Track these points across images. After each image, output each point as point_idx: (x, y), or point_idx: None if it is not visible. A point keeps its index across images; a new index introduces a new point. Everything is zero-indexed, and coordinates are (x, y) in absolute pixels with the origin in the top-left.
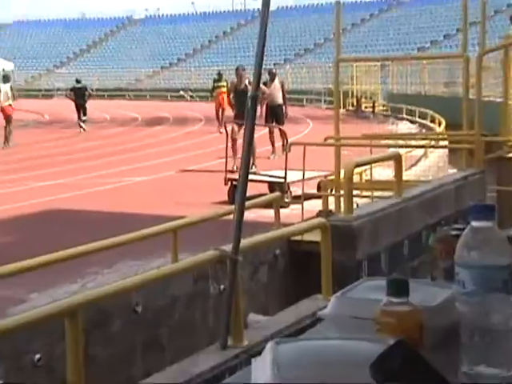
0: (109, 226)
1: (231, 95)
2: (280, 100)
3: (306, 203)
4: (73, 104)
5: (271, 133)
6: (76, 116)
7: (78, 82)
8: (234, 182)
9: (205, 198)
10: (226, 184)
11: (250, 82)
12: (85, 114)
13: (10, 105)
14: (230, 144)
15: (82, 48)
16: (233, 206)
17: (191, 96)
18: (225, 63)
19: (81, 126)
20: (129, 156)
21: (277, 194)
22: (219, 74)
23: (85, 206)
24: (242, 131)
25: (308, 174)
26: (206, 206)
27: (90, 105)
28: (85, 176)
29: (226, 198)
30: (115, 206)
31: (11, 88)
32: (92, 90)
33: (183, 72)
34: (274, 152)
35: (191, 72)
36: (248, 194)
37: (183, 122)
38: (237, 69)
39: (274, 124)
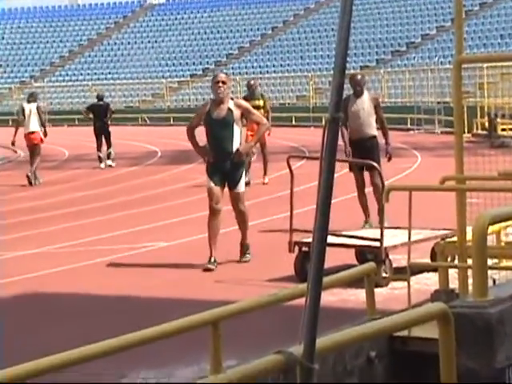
0: (114, 316)
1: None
2: (372, 129)
3: (413, 279)
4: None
5: (361, 192)
6: (95, 147)
7: (99, 98)
8: (305, 248)
9: (258, 273)
10: (290, 251)
11: (237, 104)
12: (109, 145)
13: (37, 132)
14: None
15: (72, 49)
16: (303, 285)
17: None
18: (285, 67)
19: (101, 160)
20: (144, 210)
21: (369, 265)
22: (250, 87)
23: (80, 285)
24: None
25: (416, 235)
26: (259, 286)
27: (84, 135)
28: (82, 241)
29: (291, 271)
30: (123, 286)
31: (38, 109)
32: (112, 111)
33: None
34: (367, 220)
35: (236, 82)
36: (326, 266)
37: None
38: (214, 78)
39: (360, 172)
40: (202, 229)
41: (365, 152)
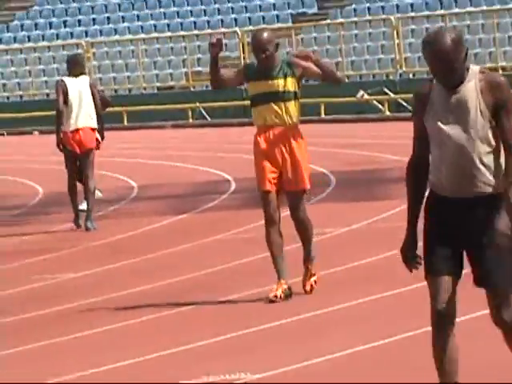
0: None
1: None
2: (490, 173)
3: None
4: None
5: None
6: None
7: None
8: None
9: None
10: None
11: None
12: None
13: (94, 129)
14: None
15: None
16: None
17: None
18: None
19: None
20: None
21: None
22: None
23: None
24: None
25: None
26: None
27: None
28: None
29: None
30: None
31: (92, 88)
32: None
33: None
34: None
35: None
36: None
37: None
38: None
39: None
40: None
41: (470, 240)
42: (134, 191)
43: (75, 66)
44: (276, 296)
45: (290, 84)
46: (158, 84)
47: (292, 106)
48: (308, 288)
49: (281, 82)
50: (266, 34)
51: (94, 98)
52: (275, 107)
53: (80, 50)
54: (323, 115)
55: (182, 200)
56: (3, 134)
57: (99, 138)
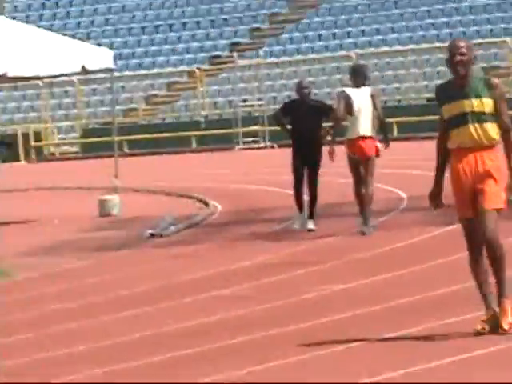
0: None
1: None
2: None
3: None
4: None
5: None
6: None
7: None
8: None
9: None
10: None
11: None
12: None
13: (373, 138)
14: None
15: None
16: None
17: None
18: None
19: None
20: None
21: None
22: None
23: None
24: None
25: None
26: None
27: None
28: None
29: None
30: None
31: (374, 98)
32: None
33: None
34: None
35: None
36: None
37: None
38: None
39: None
40: None
41: None
42: (403, 202)
43: (357, 77)
44: (484, 328)
45: (486, 105)
46: (427, 95)
47: (489, 128)
48: (506, 327)
49: (475, 102)
50: (464, 41)
51: (375, 108)
52: (469, 129)
53: (349, 63)
54: None
55: (452, 210)
56: (273, 147)
57: (379, 147)
